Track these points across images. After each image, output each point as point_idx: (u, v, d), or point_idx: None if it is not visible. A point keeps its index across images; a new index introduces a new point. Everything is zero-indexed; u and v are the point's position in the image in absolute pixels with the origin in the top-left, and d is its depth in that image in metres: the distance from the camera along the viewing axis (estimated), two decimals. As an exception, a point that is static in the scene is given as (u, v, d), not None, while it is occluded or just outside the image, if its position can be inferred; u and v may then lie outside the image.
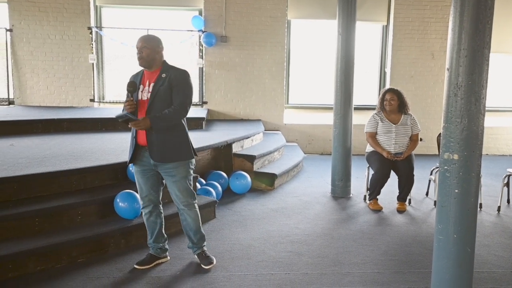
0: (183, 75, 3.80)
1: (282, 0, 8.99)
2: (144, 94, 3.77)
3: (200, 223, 4.07)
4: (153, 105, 3.72)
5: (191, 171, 3.95)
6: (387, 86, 9.39)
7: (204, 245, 4.13)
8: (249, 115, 9.23)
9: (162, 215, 4.11)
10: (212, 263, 4.04)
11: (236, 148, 6.87)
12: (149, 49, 3.73)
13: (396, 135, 5.77)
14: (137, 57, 3.75)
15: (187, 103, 3.79)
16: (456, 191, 3.06)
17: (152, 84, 3.76)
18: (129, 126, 3.71)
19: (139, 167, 3.89)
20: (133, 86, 3.77)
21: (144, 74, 3.85)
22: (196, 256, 4.11)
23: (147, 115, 3.70)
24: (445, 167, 3.10)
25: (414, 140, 5.86)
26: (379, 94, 9.61)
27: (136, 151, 3.85)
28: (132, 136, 3.87)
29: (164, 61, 3.86)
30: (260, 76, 9.15)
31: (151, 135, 3.74)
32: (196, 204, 4.02)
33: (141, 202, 4.05)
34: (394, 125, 5.80)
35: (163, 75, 3.77)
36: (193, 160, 3.96)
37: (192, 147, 3.95)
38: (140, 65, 3.79)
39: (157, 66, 3.80)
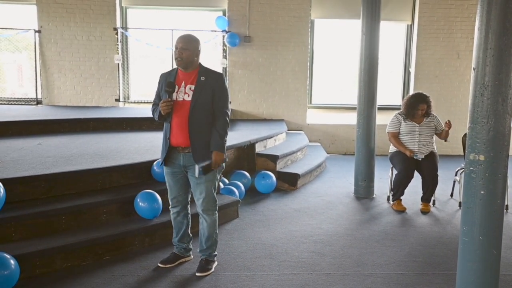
0: (222, 80, 3.82)
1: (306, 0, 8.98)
2: (180, 95, 3.75)
3: (216, 231, 4.01)
4: (195, 109, 3.70)
5: (218, 176, 3.93)
6: (412, 87, 9.29)
7: (215, 254, 4.06)
8: (272, 115, 9.23)
9: (189, 216, 4.13)
10: (205, 272, 3.93)
11: (259, 148, 6.89)
12: (190, 51, 3.70)
13: (419, 134, 5.71)
14: (176, 57, 3.72)
15: (228, 109, 3.85)
16: (482, 192, 3.02)
17: (190, 86, 3.74)
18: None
19: (170, 169, 3.89)
20: (172, 87, 3.73)
21: (178, 74, 3.82)
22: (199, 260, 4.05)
23: (189, 119, 3.69)
24: (471, 168, 3.06)
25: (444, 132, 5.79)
26: (404, 95, 9.46)
27: (169, 152, 3.83)
28: (166, 137, 3.83)
29: (200, 62, 3.85)
30: (283, 76, 9.14)
31: (195, 139, 3.73)
32: (216, 212, 3.97)
33: (170, 202, 4.04)
34: (417, 125, 5.75)
35: (202, 78, 3.75)
36: (223, 165, 3.94)
37: (225, 151, 3.92)
38: (178, 65, 3.77)
39: (194, 67, 3.79)
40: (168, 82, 3.75)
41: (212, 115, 3.78)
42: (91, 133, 7.00)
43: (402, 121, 5.80)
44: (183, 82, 3.77)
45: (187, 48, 3.69)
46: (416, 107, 5.73)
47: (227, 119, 3.83)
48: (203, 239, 3.99)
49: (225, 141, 3.82)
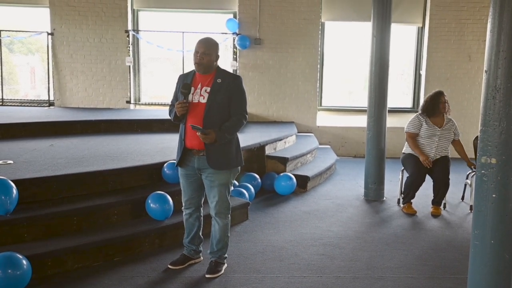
0: (239, 82, 3.81)
1: (316, 2, 8.96)
2: (196, 97, 3.75)
3: (227, 234, 4.02)
4: (210, 111, 3.71)
5: (232, 180, 3.93)
6: (422, 89, 9.24)
7: (225, 256, 4.07)
8: (282, 117, 9.23)
9: (202, 218, 4.13)
10: (214, 274, 3.93)
11: (269, 150, 6.89)
12: (210, 56, 3.71)
13: (439, 138, 5.67)
14: (196, 61, 3.72)
15: (246, 111, 3.85)
16: (494, 195, 3.00)
17: (205, 88, 3.74)
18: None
19: (184, 171, 3.91)
20: (188, 88, 3.74)
21: (195, 76, 3.82)
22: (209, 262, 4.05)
23: (204, 121, 3.69)
24: (482, 171, 3.04)
25: (460, 145, 5.86)
26: (414, 98, 9.40)
27: (184, 154, 3.84)
28: (181, 138, 3.84)
29: (218, 65, 3.85)
30: (294, 78, 9.14)
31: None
32: (228, 216, 3.98)
33: (183, 204, 4.05)
34: (439, 129, 5.70)
35: (219, 80, 3.75)
36: (238, 169, 3.94)
37: (241, 156, 3.94)
38: (198, 70, 3.77)
39: (212, 70, 3.80)
40: (184, 84, 3.77)
41: (228, 118, 3.77)
42: (102, 134, 7.04)
43: (424, 123, 5.73)
44: (200, 84, 3.78)
45: (209, 53, 3.70)
46: (438, 100, 5.72)
47: (244, 121, 3.83)
48: (214, 242, 4.00)
49: (229, 135, 3.73)
